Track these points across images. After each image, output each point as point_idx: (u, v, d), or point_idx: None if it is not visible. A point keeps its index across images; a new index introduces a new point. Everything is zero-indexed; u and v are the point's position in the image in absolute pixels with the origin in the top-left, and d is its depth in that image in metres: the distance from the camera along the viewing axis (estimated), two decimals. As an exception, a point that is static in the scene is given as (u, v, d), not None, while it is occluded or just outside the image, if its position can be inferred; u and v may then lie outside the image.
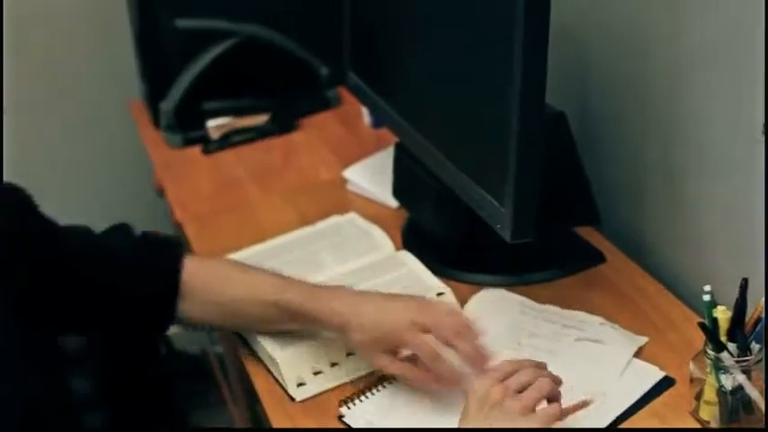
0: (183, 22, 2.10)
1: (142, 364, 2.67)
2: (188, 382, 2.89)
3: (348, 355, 1.34)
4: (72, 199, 2.74)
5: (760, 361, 1.12)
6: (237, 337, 1.43)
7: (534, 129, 1.23)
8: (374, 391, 1.29)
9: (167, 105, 2.09)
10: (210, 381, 2.87)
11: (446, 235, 1.52)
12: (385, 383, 1.30)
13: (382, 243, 1.56)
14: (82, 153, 2.71)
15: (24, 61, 2.59)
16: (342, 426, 1.25)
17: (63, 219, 2.64)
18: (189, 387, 2.87)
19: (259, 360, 1.38)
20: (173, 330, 2.84)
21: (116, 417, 1.54)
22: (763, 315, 1.10)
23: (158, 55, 2.17)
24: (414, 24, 1.49)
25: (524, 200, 1.26)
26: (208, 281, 1.35)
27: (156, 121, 2.16)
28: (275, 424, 1.27)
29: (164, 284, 1.34)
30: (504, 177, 1.26)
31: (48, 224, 1.31)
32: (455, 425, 1.14)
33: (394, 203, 1.70)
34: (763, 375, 1.13)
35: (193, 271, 1.35)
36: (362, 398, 1.28)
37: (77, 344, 2.57)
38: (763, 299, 1.10)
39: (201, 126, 2.06)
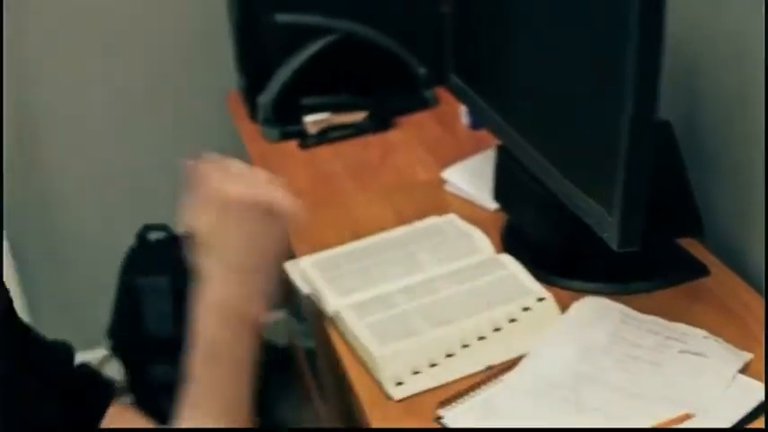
0: (282, 17, 2.11)
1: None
2: (273, 373, 2.91)
3: (448, 356, 1.34)
4: (166, 189, 2.78)
5: None
6: (334, 333, 1.43)
7: (644, 138, 1.22)
8: (473, 393, 1.29)
9: (265, 99, 2.10)
10: (295, 374, 2.89)
11: (548, 240, 1.51)
12: (485, 387, 1.29)
13: (482, 245, 1.56)
14: (178, 145, 2.74)
15: (123, 55, 2.63)
16: (439, 427, 1.25)
17: (158, 207, 2.70)
18: (273, 379, 2.89)
19: (356, 357, 1.38)
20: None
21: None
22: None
23: (257, 49, 2.18)
24: (522, 29, 1.48)
25: (632, 208, 1.25)
26: None
27: (252, 115, 2.17)
28: (372, 422, 1.27)
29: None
30: (612, 185, 1.25)
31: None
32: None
33: (492, 206, 1.70)
34: None
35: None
36: (461, 400, 1.28)
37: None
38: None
39: (298, 121, 2.07)
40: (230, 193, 1.13)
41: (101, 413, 1.35)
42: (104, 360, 2.72)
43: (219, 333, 1.12)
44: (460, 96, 1.76)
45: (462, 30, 1.71)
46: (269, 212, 1.13)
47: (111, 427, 1.39)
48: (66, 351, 1.39)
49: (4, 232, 2.55)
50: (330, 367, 1.96)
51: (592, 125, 1.30)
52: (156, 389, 2.63)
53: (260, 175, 1.16)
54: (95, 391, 1.41)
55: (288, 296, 2.69)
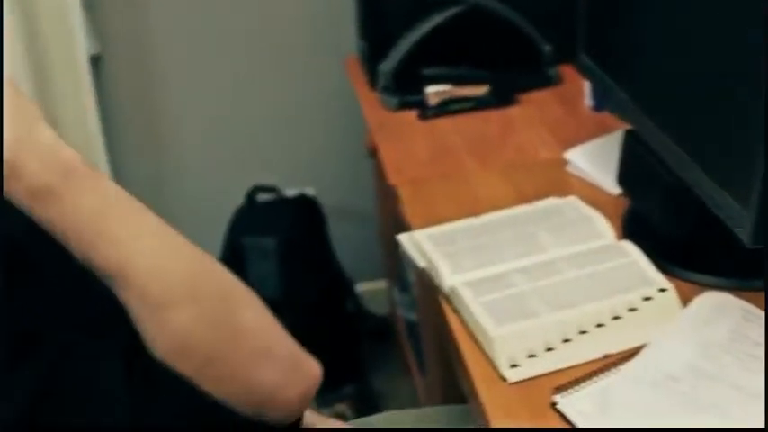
0: (409, -16, 2.10)
1: (328, 317, 2.71)
2: (370, 342, 2.91)
3: (565, 341, 1.32)
4: (278, 152, 2.80)
5: None
6: (448, 308, 1.42)
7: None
8: (589, 381, 1.26)
9: (386, 67, 2.08)
10: (393, 345, 2.89)
11: (673, 230, 1.47)
12: (602, 376, 1.26)
13: (603, 230, 1.52)
14: (294, 108, 2.75)
15: (244, 16, 2.64)
16: (554, 413, 1.22)
17: (275, 169, 2.71)
18: (370, 348, 2.90)
19: (470, 335, 1.36)
20: (362, 288, 2.88)
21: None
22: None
23: (381, 15, 2.16)
24: (662, 7, 1.44)
25: (768, 203, 1.21)
26: None
27: (372, 82, 2.16)
28: (486, 402, 1.25)
29: None
30: (749, 179, 1.21)
31: None
32: (676, 425, 1.10)
33: (615, 190, 1.66)
34: None
35: None
36: (577, 388, 1.25)
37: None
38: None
39: (418, 91, 2.04)
40: None
41: None
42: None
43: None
44: (589, 76, 1.72)
45: (597, 8, 1.67)
46: None
47: None
48: None
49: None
50: (436, 342, 1.94)
51: (730, 113, 1.25)
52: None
53: None
54: None
55: (392, 266, 2.69)
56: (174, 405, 1.01)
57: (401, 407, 2.69)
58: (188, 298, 1.01)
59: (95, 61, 2.62)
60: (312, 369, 1.07)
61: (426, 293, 1.87)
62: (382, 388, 2.81)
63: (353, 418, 2.65)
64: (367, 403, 2.74)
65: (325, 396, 2.59)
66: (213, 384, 1.01)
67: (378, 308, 2.96)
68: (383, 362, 2.90)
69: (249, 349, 1.02)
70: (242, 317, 1.04)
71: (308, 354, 1.07)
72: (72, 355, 1.03)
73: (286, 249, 2.58)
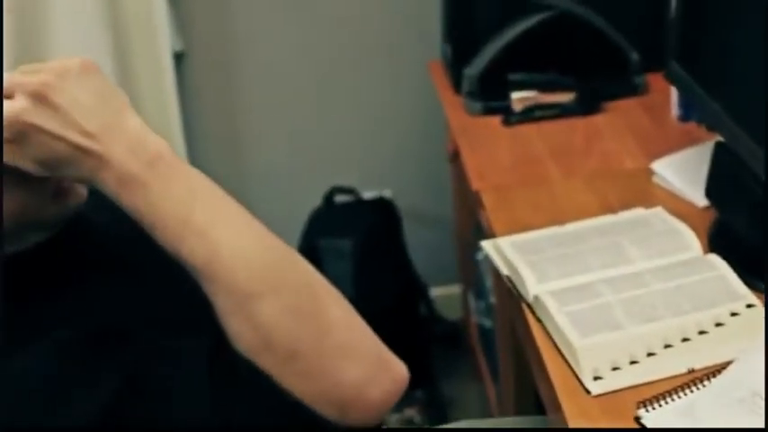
0: (497, -11, 2.08)
1: (401, 321, 2.70)
2: (440, 347, 2.90)
3: (649, 354, 1.29)
4: (358, 154, 2.80)
5: None
6: (530, 317, 1.40)
7: None
8: (675, 397, 1.23)
9: (472, 71, 2.07)
10: (464, 351, 2.87)
11: (762, 245, 1.44)
12: (687, 391, 1.24)
13: (691, 243, 1.50)
14: (376, 110, 2.75)
15: (328, 18, 2.64)
16: (638, 428, 1.20)
17: (354, 170, 2.71)
18: (440, 353, 2.88)
19: (552, 345, 1.34)
20: (435, 292, 2.87)
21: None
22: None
23: (467, 20, 2.15)
24: (759, 19, 1.41)
25: None
26: None
27: (456, 86, 2.15)
28: (568, 413, 1.23)
29: None
30: None
31: None
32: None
33: (701, 202, 1.63)
34: None
35: None
36: (662, 402, 1.23)
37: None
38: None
39: (503, 96, 2.03)
40: (45, 76, 1.01)
41: None
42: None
43: (163, 187, 1.02)
44: (679, 86, 1.69)
45: (689, 15, 1.64)
46: (85, 69, 1.03)
47: None
48: None
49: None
50: (512, 350, 1.93)
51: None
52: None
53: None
54: None
55: (468, 271, 2.67)
56: (257, 406, 1.00)
57: (470, 413, 2.69)
58: (274, 289, 1.00)
59: (179, 58, 2.63)
60: (398, 370, 1.06)
61: (504, 301, 1.86)
62: (452, 393, 2.79)
63: (422, 423, 2.65)
64: (436, 408, 2.73)
65: (395, 400, 2.58)
66: (296, 380, 1.00)
67: (449, 313, 2.95)
68: (453, 367, 2.89)
69: (334, 345, 1.01)
70: (328, 311, 1.03)
71: (394, 355, 1.06)
72: (158, 353, 1.03)
73: (362, 251, 2.58)
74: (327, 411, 1.00)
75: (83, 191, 1.13)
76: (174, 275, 1.27)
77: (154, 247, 1.26)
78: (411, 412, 2.68)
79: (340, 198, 2.76)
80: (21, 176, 1.05)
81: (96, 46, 2.47)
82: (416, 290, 2.84)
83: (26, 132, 1.00)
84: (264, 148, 2.78)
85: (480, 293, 2.51)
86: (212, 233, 1.01)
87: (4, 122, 1.00)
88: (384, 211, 2.77)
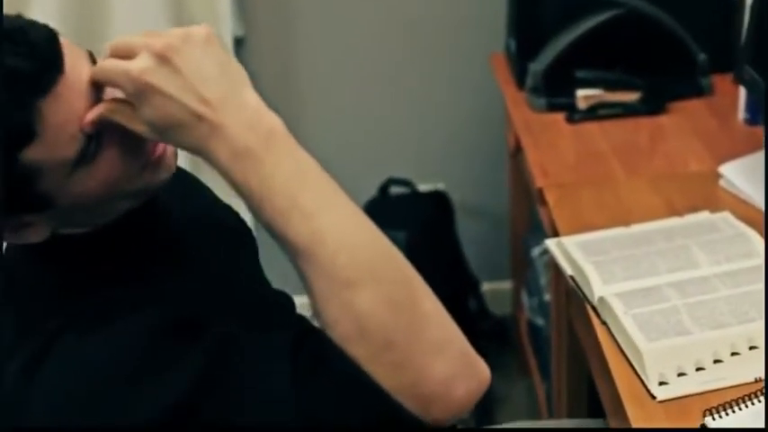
0: (566, -16, 2.06)
1: (452, 315, 2.68)
2: (489, 344, 2.88)
3: (716, 361, 1.27)
4: (415, 146, 2.78)
5: None
6: (595, 319, 1.38)
7: None
8: (743, 406, 1.21)
9: (537, 67, 2.05)
10: (512, 348, 2.85)
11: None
12: (756, 400, 1.21)
13: (759, 249, 1.47)
14: (434, 102, 2.73)
15: (387, 9, 2.63)
16: None
17: (410, 162, 2.70)
18: (488, 348, 2.86)
19: (617, 347, 1.33)
20: (485, 287, 2.85)
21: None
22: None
23: (534, 15, 2.13)
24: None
25: None
26: None
27: (520, 81, 2.13)
28: (633, 418, 1.22)
29: None
30: None
31: None
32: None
33: (768, 208, 1.61)
34: None
35: None
36: (729, 411, 1.20)
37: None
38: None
39: (568, 93, 2.01)
40: (170, 39, 1.01)
41: None
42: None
43: (273, 160, 1.01)
44: (752, 90, 1.67)
45: (764, 20, 1.61)
46: (209, 39, 1.03)
47: None
48: (288, 303, 1.40)
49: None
50: (566, 350, 1.91)
51: None
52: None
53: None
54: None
55: (520, 268, 2.65)
56: (341, 398, 1.00)
57: (518, 411, 2.67)
58: (374, 278, 0.99)
59: (239, 43, 2.63)
60: (483, 370, 1.05)
61: (561, 299, 1.84)
62: (499, 390, 2.77)
63: (470, 419, 2.63)
64: (483, 404, 2.70)
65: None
66: (387, 371, 0.99)
67: (498, 309, 2.93)
68: (501, 364, 2.86)
69: (427, 339, 1.00)
70: (423, 305, 1.02)
71: (479, 355, 1.05)
72: (233, 346, 1.03)
73: (416, 244, 2.56)
74: (411, 405, 1.00)
75: (168, 170, 1.13)
76: (233, 271, 1.27)
77: (216, 242, 1.26)
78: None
79: (395, 189, 2.74)
80: (122, 143, 1.06)
81: (158, 28, 2.47)
82: (467, 284, 2.82)
83: (145, 92, 1.00)
84: (321, 137, 2.76)
85: (533, 290, 2.49)
86: (319, 215, 1.00)
87: (127, 79, 1.00)
88: (439, 203, 2.75)
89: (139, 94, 1.00)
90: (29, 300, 1.11)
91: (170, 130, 1.02)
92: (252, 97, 1.03)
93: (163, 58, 1.00)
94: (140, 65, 1.00)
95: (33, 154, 1.00)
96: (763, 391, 1.23)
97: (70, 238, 1.11)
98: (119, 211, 1.11)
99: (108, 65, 1.02)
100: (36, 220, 1.07)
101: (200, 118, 1.00)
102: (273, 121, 1.03)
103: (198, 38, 1.02)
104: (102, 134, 1.04)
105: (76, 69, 1.03)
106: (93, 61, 1.06)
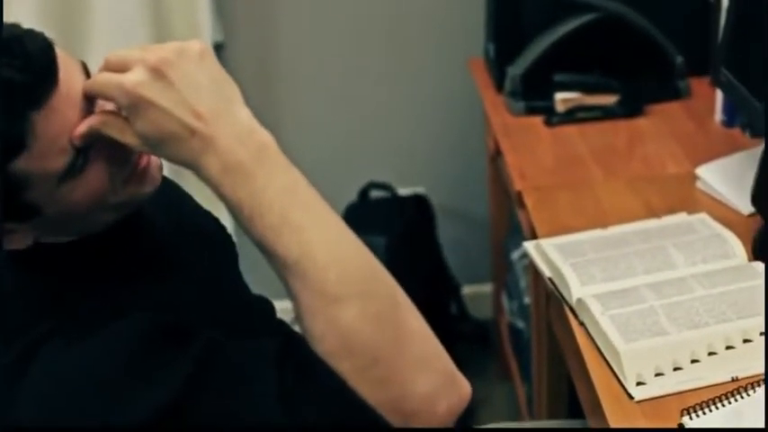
0: (544, -11, 2.08)
1: (432, 319, 2.68)
2: (467, 346, 2.88)
3: (693, 361, 1.28)
4: (394, 150, 2.79)
5: None
6: (573, 320, 1.39)
7: None
8: (719, 405, 1.22)
9: (516, 71, 2.07)
10: (492, 351, 2.86)
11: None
12: (732, 399, 1.23)
13: (736, 250, 1.48)
14: (413, 106, 2.74)
15: (366, 15, 2.63)
16: None
17: (389, 166, 2.70)
18: (467, 352, 2.87)
19: (595, 348, 1.33)
20: (467, 290, 2.85)
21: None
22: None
23: (512, 19, 2.14)
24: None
25: None
26: None
27: (499, 84, 2.14)
28: (611, 418, 1.22)
29: None
30: None
31: None
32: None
33: (746, 210, 1.62)
34: None
35: None
36: (707, 410, 1.21)
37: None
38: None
39: (547, 96, 2.02)
40: (165, 53, 1.02)
41: None
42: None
43: (260, 173, 1.01)
44: (728, 91, 1.68)
45: (741, 22, 1.62)
46: (203, 54, 1.04)
47: None
48: (269, 307, 1.41)
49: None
50: (546, 352, 1.92)
51: None
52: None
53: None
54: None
55: (500, 271, 2.66)
56: (325, 407, 1.00)
57: (498, 413, 2.68)
58: (361, 294, 1.00)
59: (218, 48, 2.63)
60: (464, 387, 1.06)
61: (541, 302, 1.85)
62: (479, 393, 2.77)
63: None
64: (465, 407, 2.71)
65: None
66: (370, 387, 1.00)
67: (479, 312, 2.94)
68: (481, 367, 2.87)
69: (412, 355, 1.01)
70: (407, 321, 1.03)
71: (460, 372, 1.06)
72: (220, 354, 1.04)
73: (396, 248, 2.56)
74: (393, 418, 1.00)
75: (153, 183, 1.13)
76: (217, 277, 1.28)
77: (199, 248, 1.27)
78: (439, 410, 2.66)
79: (375, 193, 2.75)
80: (109, 155, 1.06)
81: (137, 33, 2.47)
82: (448, 288, 2.83)
83: (139, 105, 1.01)
84: (301, 141, 2.77)
85: (513, 293, 2.50)
86: (309, 231, 1.01)
87: (121, 92, 1.01)
88: (419, 208, 2.76)
89: (133, 107, 1.01)
90: (13, 307, 1.10)
91: (162, 144, 1.02)
92: (244, 113, 1.04)
93: (157, 72, 1.00)
94: (134, 78, 1.01)
95: (23, 164, 1.01)
96: (740, 390, 1.24)
97: (53, 246, 1.11)
98: (104, 222, 1.11)
99: (102, 78, 1.03)
100: (19, 228, 1.07)
101: (192, 132, 1.01)
102: (265, 136, 1.04)
103: (192, 53, 1.02)
104: (90, 147, 1.04)
105: (70, 81, 1.03)
106: (87, 73, 1.06)
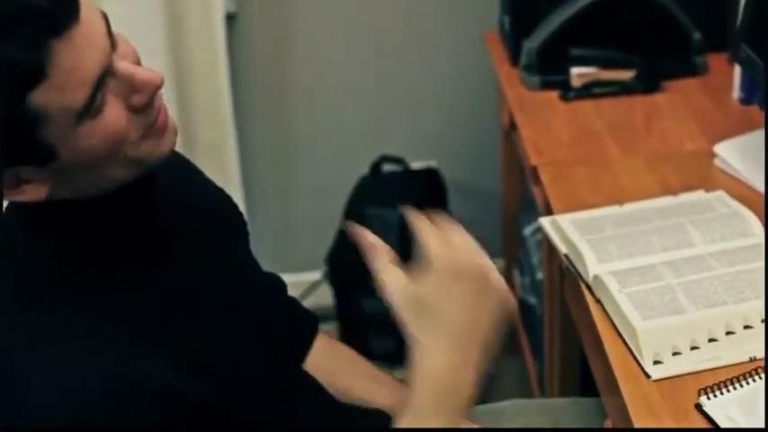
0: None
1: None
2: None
3: (711, 340, 1.27)
4: (407, 124, 2.77)
5: None
6: (589, 298, 1.38)
7: None
8: (737, 385, 1.21)
9: (531, 44, 2.04)
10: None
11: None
12: (750, 380, 1.21)
13: (754, 228, 1.47)
14: (427, 80, 2.72)
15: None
16: (699, 415, 1.18)
17: (402, 140, 2.68)
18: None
19: (611, 326, 1.32)
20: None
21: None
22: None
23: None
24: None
25: None
26: (331, 365, 1.43)
27: (514, 58, 2.11)
28: (628, 397, 1.21)
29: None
30: None
31: None
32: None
33: (764, 188, 1.60)
34: None
35: (320, 352, 1.43)
36: (724, 390, 1.20)
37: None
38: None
39: (562, 70, 2.00)
40: (464, 263, 1.12)
41: (307, 347, 1.39)
42: (316, 284, 2.73)
43: (430, 404, 1.11)
44: (749, 69, 1.66)
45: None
46: (490, 286, 1.12)
47: (321, 357, 1.42)
48: (280, 284, 1.42)
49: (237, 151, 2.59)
50: (560, 329, 1.90)
51: None
52: (364, 321, 2.64)
53: (474, 244, 1.15)
54: (302, 325, 1.44)
55: (512, 246, 2.65)
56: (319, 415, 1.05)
57: (509, 389, 2.66)
58: None
59: (230, 19, 2.61)
60: None
61: (554, 278, 1.83)
62: (488, 369, 2.77)
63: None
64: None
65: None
66: None
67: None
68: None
69: None
70: None
71: None
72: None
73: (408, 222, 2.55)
74: None
75: (168, 145, 1.11)
76: (224, 264, 1.28)
77: (211, 228, 1.27)
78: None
79: (387, 167, 2.73)
80: (128, 101, 1.05)
81: (147, 2, 2.45)
82: (460, 263, 2.81)
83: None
84: (314, 114, 2.76)
85: (525, 269, 2.49)
86: None
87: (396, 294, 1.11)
88: (431, 181, 2.74)
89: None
90: (28, 269, 1.10)
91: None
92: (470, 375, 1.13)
93: (430, 308, 1.09)
94: (406, 299, 1.10)
95: (41, 97, 0.98)
96: (758, 370, 1.23)
97: (65, 204, 1.09)
98: (116, 179, 1.09)
99: (389, 277, 1.12)
100: (35, 177, 1.05)
101: (412, 335, 1.10)
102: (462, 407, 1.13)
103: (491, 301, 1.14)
104: (107, 85, 1.03)
105: (91, 22, 1.01)
106: (107, 24, 1.04)
